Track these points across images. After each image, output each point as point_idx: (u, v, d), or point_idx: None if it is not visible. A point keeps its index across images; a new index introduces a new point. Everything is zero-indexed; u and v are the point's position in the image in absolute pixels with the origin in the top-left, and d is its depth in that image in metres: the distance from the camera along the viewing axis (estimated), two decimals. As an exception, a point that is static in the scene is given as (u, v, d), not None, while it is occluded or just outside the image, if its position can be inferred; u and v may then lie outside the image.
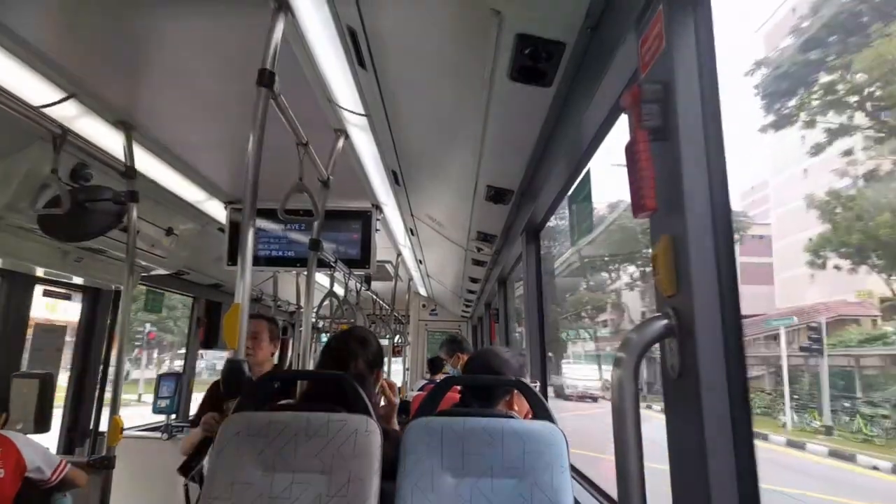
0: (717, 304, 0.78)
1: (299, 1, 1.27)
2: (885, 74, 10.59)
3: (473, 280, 4.76)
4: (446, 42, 1.44)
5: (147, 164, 2.21)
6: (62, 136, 1.71)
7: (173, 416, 3.40)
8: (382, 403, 1.80)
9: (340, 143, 2.05)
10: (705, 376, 0.76)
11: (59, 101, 1.67)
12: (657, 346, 0.84)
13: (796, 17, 14.71)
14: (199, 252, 3.11)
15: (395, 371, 7.07)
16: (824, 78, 11.96)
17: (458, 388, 1.65)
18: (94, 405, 2.94)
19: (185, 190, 2.59)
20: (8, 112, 1.51)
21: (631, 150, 0.86)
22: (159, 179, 2.40)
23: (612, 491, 1.37)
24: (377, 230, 2.97)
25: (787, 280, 17.15)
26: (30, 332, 2.54)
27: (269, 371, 2.42)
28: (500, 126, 1.74)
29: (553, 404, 1.62)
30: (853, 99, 11.56)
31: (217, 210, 2.90)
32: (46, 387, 2.13)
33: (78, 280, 2.70)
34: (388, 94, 1.75)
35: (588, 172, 1.71)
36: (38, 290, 2.57)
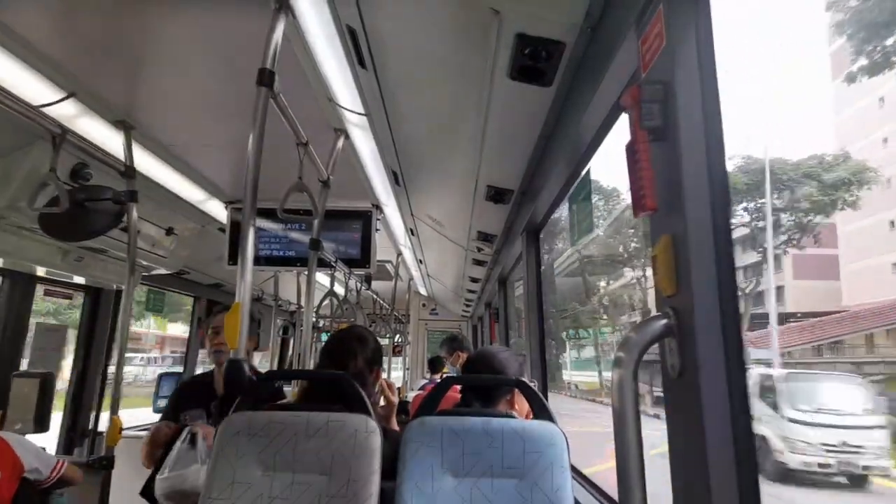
0: (716, 303, 0.78)
1: (299, 1, 1.27)
2: None
3: (473, 280, 4.76)
4: (446, 42, 1.44)
5: (147, 163, 2.21)
6: (62, 136, 1.71)
7: (173, 416, 3.39)
8: (382, 403, 1.80)
9: (340, 142, 2.04)
10: (705, 376, 0.76)
11: (58, 101, 1.66)
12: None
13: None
14: (199, 252, 3.11)
15: (395, 371, 7.07)
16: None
17: (459, 387, 1.65)
18: (94, 405, 2.94)
19: (185, 189, 2.59)
20: (7, 111, 1.51)
21: (631, 150, 0.86)
22: (159, 179, 2.40)
23: (613, 491, 1.37)
24: (377, 230, 2.97)
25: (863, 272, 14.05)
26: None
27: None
28: (500, 126, 1.74)
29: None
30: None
31: (217, 210, 2.90)
32: (47, 386, 2.13)
33: (79, 280, 2.71)
34: (388, 94, 1.75)
35: (588, 172, 1.71)
36: (39, 290, 2.57)
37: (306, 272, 2.24)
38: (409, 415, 2.53)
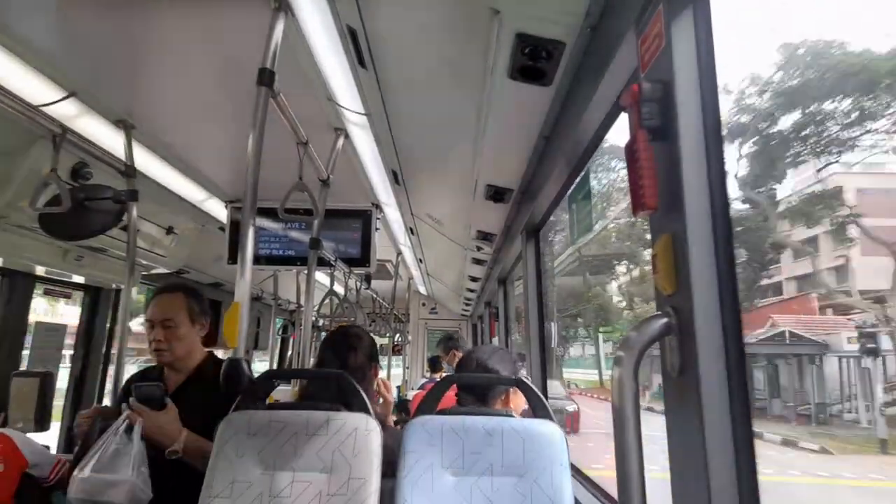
0: (716, 302, 0.78)
1: (299, 0, 1.27)
2: None
3: (473, 279, 4.76)
4: (446, 41, 1.44)
5: (147, 162, 2.21)
6: (62, 135, 1.71)
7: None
8: (378, 402, 1.81)
9: (340, 142, 2.04)
10: (705, 375, 0.76)
11: (59, 100, 1.66)
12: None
13: None
14: (199, 251, 3.11)
15: (395, 369, 7.07)
16: None
17: (455, 388, 1.65)
18: (94, 404, 2.94)
19: (185, 189, 2.59)
20: (8, 111, 1.51)
21: (631, 150, 0.86)
22: (159, 178, 2.40)
23: (613, 490, 1.37)
24: (377, 229, 2.97)
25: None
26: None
27: (207, 362, 1.73)
28: (500, 125, 1.74)
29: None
30: None
31: (217, 209, 2.90)
32: (46, 386, 2.13)
33: (78, 279, 2.70)
34: (388, 94, 1.75)
35: (588, 171, 1.71)
36: (39, 289, 2.57)
37: (306, 271, 2.24)
38: (409, 413, 2.53)
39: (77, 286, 2.84)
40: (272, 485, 1.27)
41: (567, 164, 1.67)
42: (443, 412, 1.47)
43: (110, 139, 1.96)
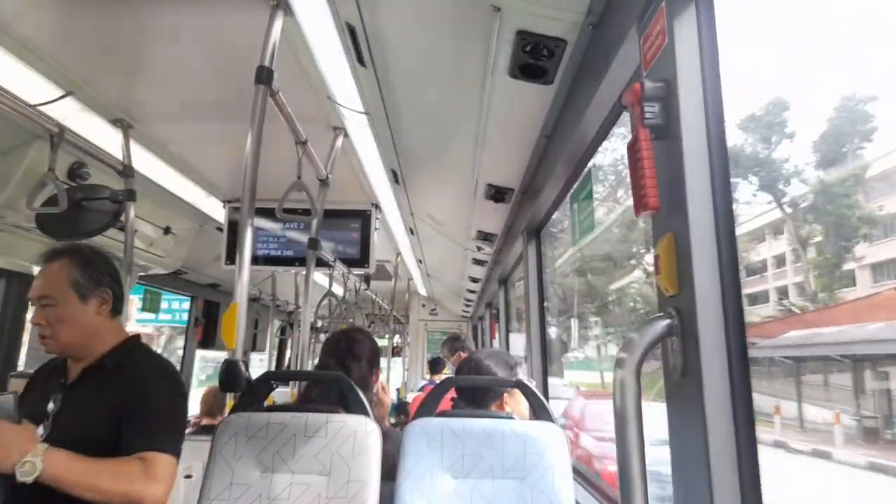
0: (719, 303, 0.77)
1: (298, -2, 1.26)
2: None
3: (474, 280, 4.75)
4: (446, 39, 1.43)
5: (145, 162, 2.20)
6: (59, 135, 1.70)
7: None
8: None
9: (339, 141, 2.03)
10: (708, 376, 0.75)
11: (56, 99, 1.65)
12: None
13: None
14: (197, 251, 3.10)
15: (394, 371, 7.06)
16: None
17: (453, 393, 1.64)
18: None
19: (183, 188, 2.58)
20: (4, 110, 1.50)
21: (633, 149, 0.85)
22: (157, 178, 2.39)
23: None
24: (376, 229, 2.96)
25: None
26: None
27: (122, 347, 1.35)
28: (501, 124, 1.73)
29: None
30: None
31: (215, 209, 2.89)
32: (44, 386, 2.11)
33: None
34: (388, 92, 1.74)
35: (589, 171, 1.70)
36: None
37: (304, 272, 2.23)
38: (408, 415, 2.52)
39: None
40: (270, 487, 1.26)
41: (568, 163, 1.66)
42: (443, 414, 1.45)
43: (108, 138, 1.95)
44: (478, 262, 4.01)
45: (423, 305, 7.94)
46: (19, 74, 1.54)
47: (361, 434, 1.29)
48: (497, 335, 5.03)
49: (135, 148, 2.00)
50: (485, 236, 3.22)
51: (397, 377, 6.86)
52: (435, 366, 4.88)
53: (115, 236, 2.17)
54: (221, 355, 1.63)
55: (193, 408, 3.99)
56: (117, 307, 1.38)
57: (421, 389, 4.20)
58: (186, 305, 4.14)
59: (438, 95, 1.78)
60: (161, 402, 1.28)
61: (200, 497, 1.27)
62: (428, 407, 1.49)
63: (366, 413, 1.36)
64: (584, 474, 1.95)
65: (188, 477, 2.51)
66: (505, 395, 1.57)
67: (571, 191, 1.84)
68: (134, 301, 4.73)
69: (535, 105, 1.55)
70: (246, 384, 1.25)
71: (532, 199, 2.15)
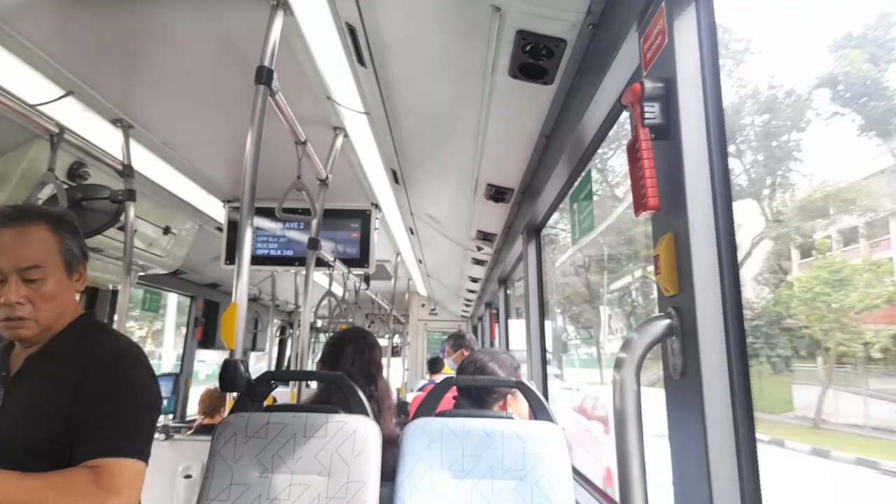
0: (719, 303, 0.77)
1: (298, -2, 1.26)
2: None
3: (473, 280, 4.75)
4: (446, 39, 1.43)
5: (145, 162, 2.20)
6: (59, 135, 1.70)
7: (171, 417, 3.38)
8: None
9: (339, 141, 2.03)
10: (707, 377, 0.75)
11: (56, 99, 1.65)
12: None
13: None
14: (196, 251, 3.10)
15: (394, 370, 7.06)
16: None
17: (454, 391, 1.64)
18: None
19: (182, 188, 2.58)
20: (4, 110, 1.50)
21: (633, 149, 0.85)
22: (157, 178, 2.39)
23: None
24: (376, 229, 2.96)
25: None
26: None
27: (75, 327, 1.09)
28: (501, 124, 1.73)
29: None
30: None
31: (215, 208, 2.89)
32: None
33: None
34: (388, 92, 1.74)
35: (589, 171, 1.70)
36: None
37: (304, 272, 2.23)
38: (408, 416, 2.52)
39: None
40: (270, 487, 1.26)
41: (568, 163, 1.66)
42: (442, 414, 1.45)
43: (108, 138, 1.95)
44: (478, 261, 4.01)
45: (423, 305, 7.93)
46: (19, 74, 1.54)
47: (361, 434, 1.29)
48: (497, 335, 5.02)
49: (135, 148, 2.00)
50: (485, 236, 3.22)
51: (397, 377, 6.86)
52: (434, 365, 4.88)
53: (114, 236, 2.17)
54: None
55: (192, 408, 3.99)
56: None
57: (421, 389, 4.20)
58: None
59: (438, 95, 1.78)
60: (117, 394, 1.01)
61: (200, 497, 1.27)
62: (427, 407, 1.49)
63: (366, 413, 1.36)
64: (583, 475, 1.95)
65: (188, 477, 2.51)
66: (508, 396, 1.57)
67: (571, 191, 1.84)
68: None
69: (535, 105, 1.55)
70: (246, 384, 1.25)
71: (532, 198, 2.15)
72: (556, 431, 1.36)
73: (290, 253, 2.87)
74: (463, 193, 2.57)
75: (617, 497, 0.77)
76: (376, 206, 2.92)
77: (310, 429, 1.31)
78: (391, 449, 1.37)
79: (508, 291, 4.25)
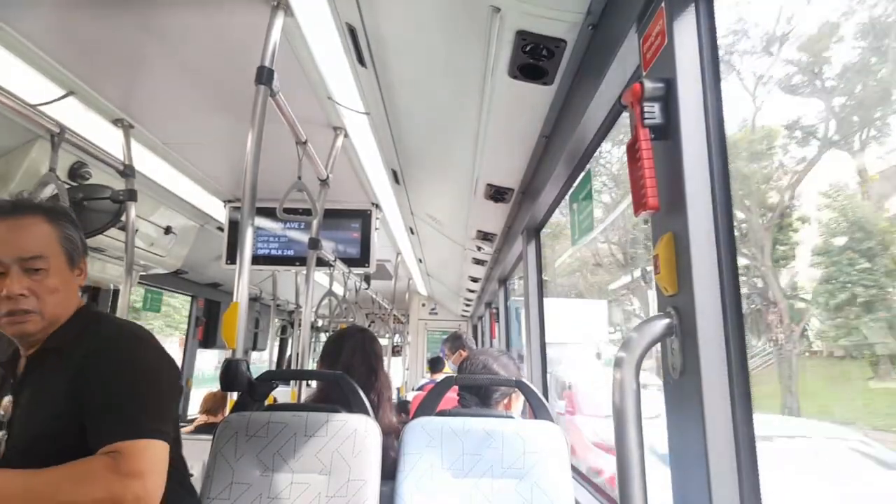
0: (718, 303, 0.77)
1: (298, -2, 1.26)
2: None
3: (474, 279, 4.75)
4: (446, 40, 1.43)
5: (146, 162, 2.20)
6: (60, 135, 1.70)
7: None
8: None
9: (340, 141, 2.04)
10: (707, 377, 0.75)
11: (57, 99, 1.66)
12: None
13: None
14: (197, 251, 3.10)
15: (394, 368, 7.06)
16: None
17: (457, 389, 1.65)
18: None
19: (183, 188, 2.59)
20: (6, 110, 1.50)
21: (633, 149, 0.85)
22: (158, 178, 2.39)
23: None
24: (377, 229, 2.97)
25: None
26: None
27: (77, 320, 1.04)
28: (501, 124, 1.73)
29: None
30: None
31: (216, 208, 2.89)
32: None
33: (76, 279, 2.69)
34: (388, 92, 1.74)
35: (589, 171, 1.70)
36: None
37: (305, 272, 2.23)
38: (409, 415, 2.52)
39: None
40: (271, 486, 1.26)
41: (568, 163, 1.66)
42: (443, 413, 1.46)
43: (109, 138, 1.96)
44: (478, 261, 4.01)
45: (423, 305, 7.94)
46: (20, 74, 1.54)
47: (361, 433, 1.30)
48: (497, 335, 5.03)
49: (136, 148, 2.00)
50: (484, 236, 3.22)
51: (397, 376, 6.87)
52: (435, 365, 4.89)
53: (115, 236, 2.18)
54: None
55: (193, 409, 4.00)
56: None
57: (421, 388, 4.20)
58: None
59: (438, 95, 1.78)
60: (123, 374, 0.95)
61: (201, 496, 1.27)
62: (428, 406, 1.49)
63: (366, 412, 1.37)
64: (583, 474, 1.96)
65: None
66: (512, 395, 1.58)
67: (571, 191, 1.85)
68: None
69: (535, 105, 1.55)
70: (247, 384, 1.26)
71: (532, 198, 2.15)
72: (556, 431, 1.36)
73: (290, 253, 2.88)
74: (463, 193, 2.57)
75: (617, 497, 0.77)
76: (376, 205, 2.92)
77: (310, 428, 1.31)
78: (389, 440, 1.38)
79: (508, 291, 4.25)
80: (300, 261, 2.81)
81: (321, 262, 2.52)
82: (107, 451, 0.89)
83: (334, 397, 1.47)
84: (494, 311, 4.86)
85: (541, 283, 2.51)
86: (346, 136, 2.04)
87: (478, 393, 1.55)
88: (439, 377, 3.90)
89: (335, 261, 2.74)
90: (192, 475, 2.57)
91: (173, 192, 2.58)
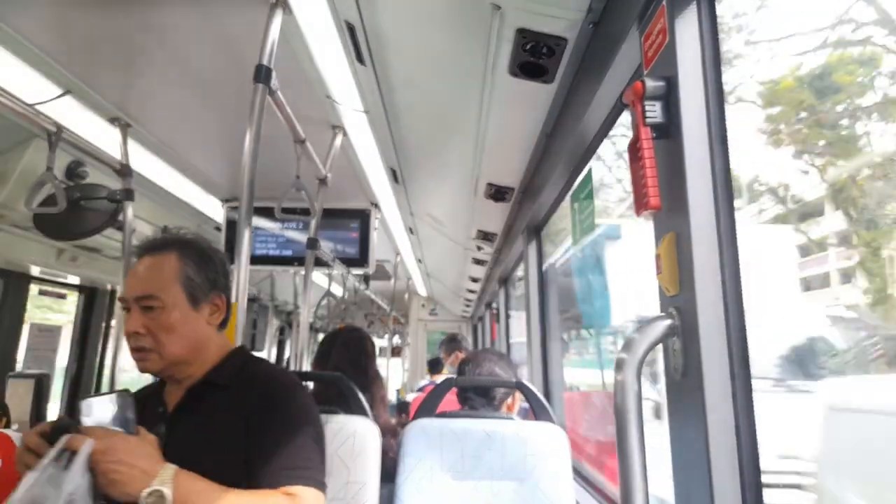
0: (720, 303, 0.77)
1: (296, -4, 1.25)
2: None
3: (474, 279, 4.75)
4: (446, 38, 1.43)
5: (143, 161, 2.19)
6: (57, 134, 1.69)
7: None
8: None
9: (339, 140, 2.03)
10: (709, 377, 0.75)
11: (53, 98, 1.65)
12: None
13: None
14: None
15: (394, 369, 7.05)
16: None
17: (455, 391, 1.64)
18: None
19: (181, 188, 2.58)
20: (2, 109, 1.50)
21: (634, 148, 0.84)
22: (155, 177, 2.39)
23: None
24: (376, 229, 2.96)
25: None
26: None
27: (231, 361, 1.08)
28: (501, 123, 1.72)
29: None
30: None
31: (213, 208, 2.88)
32: (42, 387, 2.11)
33: (73, 279, 2.68)
34: (387, 91, 1.73)
35: (590, 170, 1.69)
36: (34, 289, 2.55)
37: (303, 272, 2.23)
38: (409, 415, 2.51)
39: (72, 286, 2.83)
40: (268, 488, 1.25)
41: (569, 162, 1.65)
42: (443, 415, 1.45)
43: (106, 137, 1.95)
44: (478, 261, 4.00)
45: (423, 305, 7.93)
46: (17, 73, 1.53)
47: (361, 435, 1.29)
48: (497, 335, 5.02)
49: (133, 147, 1.99)
50: (485, 236, 3.21)
51: (397, 377, 6.86)
52: (434, 366, 4.88)
53: (112, 236, 2.17)
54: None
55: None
56: (227, 318, 1.12)
57: (421, 389, 4.19)
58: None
59: (438, 94, 1.77)
60: (303, 423, 1.01)
61: None
62: (428, 407, 1.48)
63: (365, 413, 1.36)
64: (584, 475, 1.95)
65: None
66: (513, 397, 1.58)
67: (572, 190, 1.84)
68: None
69: (536, 104, 1.55)
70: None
71: (532, 198, 2.14)
72: (557, 432, 1.35)
73: (289, 253, 2.87)
74: (463, 193, 2.56)
75: (617, 497, 0.76)
76: (376, 205, 2.91)
77: (309, 429, 1.30)
78: (386, 440, 1.38)
79: (509, 291, 4.25)
80: (298, 261, 2.80)
81: (320, 263, 2.51)
82: (286, 491, 0.94)
83: (332, 398, 1.46)
84: (495, 311, 4.86)
85: (542, 283, 2.51)
86: (344, 134, 2.03)
87: (484, 394, 1.55)
88: (439, 378, 3.89)
89: (334, 261, 2.73)
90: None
91: (170, 192, 2.57)
